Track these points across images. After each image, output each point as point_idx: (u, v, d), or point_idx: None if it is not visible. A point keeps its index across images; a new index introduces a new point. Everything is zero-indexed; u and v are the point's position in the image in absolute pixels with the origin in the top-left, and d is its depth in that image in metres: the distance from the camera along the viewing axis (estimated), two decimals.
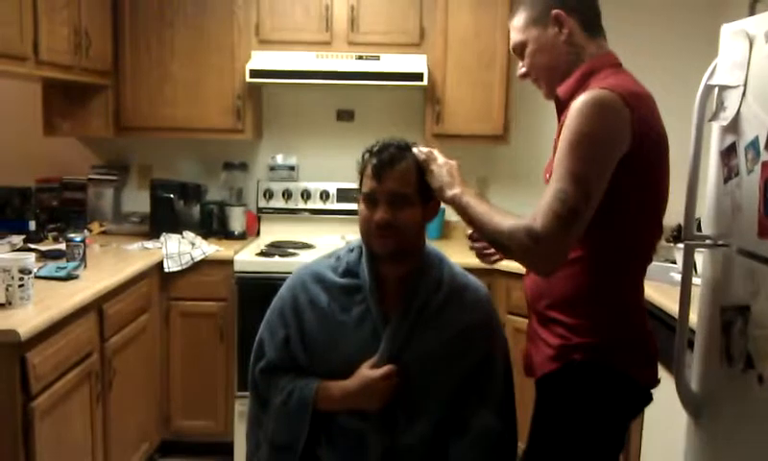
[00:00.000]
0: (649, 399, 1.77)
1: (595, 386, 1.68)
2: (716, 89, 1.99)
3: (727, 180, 1.93)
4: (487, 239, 1.71)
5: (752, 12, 3.46)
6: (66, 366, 2.45)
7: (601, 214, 1.57)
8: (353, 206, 1.79)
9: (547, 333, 1.74)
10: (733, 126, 1.89)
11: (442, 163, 1.73)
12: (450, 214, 3.79)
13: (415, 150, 1.76)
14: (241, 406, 3.47)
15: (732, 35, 1.92)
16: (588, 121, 1.55)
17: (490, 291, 3.18)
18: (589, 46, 1.75)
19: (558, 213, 1.51)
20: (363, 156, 1.77)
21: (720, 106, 1.96)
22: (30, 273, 2.35)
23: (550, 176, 1.68)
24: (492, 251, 1.92)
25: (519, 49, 1.82)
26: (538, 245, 1.52)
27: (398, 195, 1.70)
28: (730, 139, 1.92)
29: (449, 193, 1.69)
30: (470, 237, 1.93)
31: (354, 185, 1.80)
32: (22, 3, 2.79)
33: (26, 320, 2.20)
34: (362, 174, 1.76)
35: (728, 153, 1.93)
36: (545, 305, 1.74)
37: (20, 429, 2.16)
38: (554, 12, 1.73)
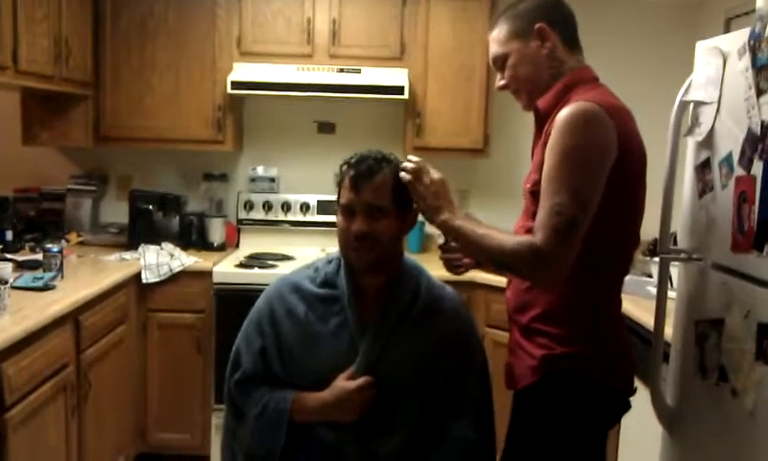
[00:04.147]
0: (627, 406, 1.78)
1: (577, 395, 1.69)
2: (691, 105, 2.02)
3: (702, 194, 1.96)
4: (487, 260, 1.75)
5: (727, 29, 3.52)
6: (41, 377, 2.42)
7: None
8: (334, 219, 1.79)
9: (530, 344, 1.74)
10: (708, 141, 1.92)
11: (428, 183, 1.71)
12: (430, 227, 3.80)
13: (406, 164, 1.74)
14: (218, 419, 3.44)
15: (706, 51, 1.95)
16: (576, 134, 1.57)
17: (469, 304, 3.22)
18: (570, 60, 1.78)
19: (557, 226, 1.53)
20: (341, 167, 1.78)
21: (695, 121, 1.99)
22: (6, 283, 2.34)
23: (530, 186, 1.70)
24: (463, 261, 1.93)
25: (500, 61, 1.83)
26: (543, 260, 1.54)
27: (375, 207, 1.71)
28: (704, 154, 1.94)
29: (438, 220, 1.70)
30: (441, 248, 1.93)
31: (334, 198, 1.80)
32: (2, 13, 2.78)
33: (1, 330, 2.18)
34: (340, 185, 1.76)
35: (702, 168, 1.95)
36: (530, 317, 1.75)
37: None
38: (537, 25, 1.75)
